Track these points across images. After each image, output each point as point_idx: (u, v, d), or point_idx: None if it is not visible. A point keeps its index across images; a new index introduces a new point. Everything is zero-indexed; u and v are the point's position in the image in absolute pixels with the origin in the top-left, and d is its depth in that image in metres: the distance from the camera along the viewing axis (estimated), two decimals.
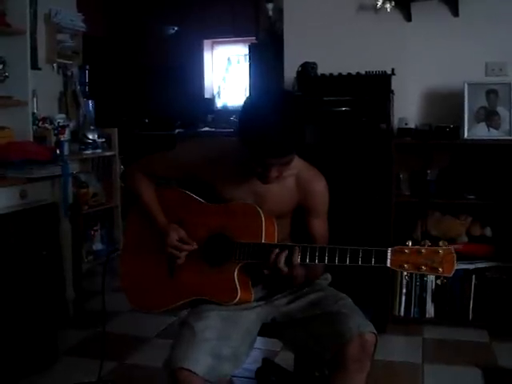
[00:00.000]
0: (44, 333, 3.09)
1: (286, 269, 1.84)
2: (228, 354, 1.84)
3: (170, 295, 2.03)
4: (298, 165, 1.98)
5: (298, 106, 1.85)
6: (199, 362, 1.75)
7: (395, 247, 1.74)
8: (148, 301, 2.11)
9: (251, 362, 2.71)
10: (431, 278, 3.52)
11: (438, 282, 1.74)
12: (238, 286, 1.92)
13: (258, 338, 2.05)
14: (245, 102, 1.86)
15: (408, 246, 1.73)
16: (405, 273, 1.78)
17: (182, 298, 2.01)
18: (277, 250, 1.84)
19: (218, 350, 1.81)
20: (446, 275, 1.72)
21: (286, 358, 2.62)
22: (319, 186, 2.04)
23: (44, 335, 3.08)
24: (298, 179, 2.01)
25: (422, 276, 3.53)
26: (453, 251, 1.71)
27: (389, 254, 1.73)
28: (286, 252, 1.84)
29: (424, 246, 1.73)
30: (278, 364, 2.87)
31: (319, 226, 2.05)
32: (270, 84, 4.59)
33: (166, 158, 2.12)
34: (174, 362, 1.75)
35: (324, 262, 1.82)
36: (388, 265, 1.73)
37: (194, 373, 1.72)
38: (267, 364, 2.88)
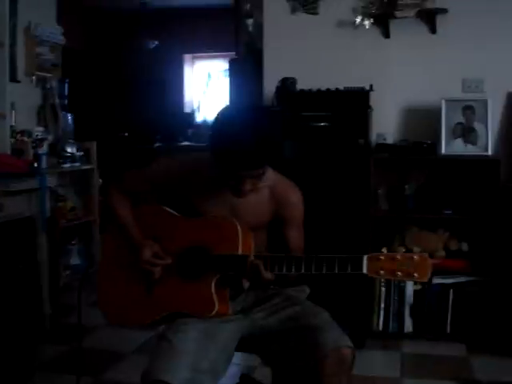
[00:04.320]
0: (20, 347, 3.05)
1: (268, 276, 1.84)
2: (206, 367, 1.82)
3: (148, 310, 2.02)
4: (272, 177, 1.99)
5: (270, 119, 1.86)
6: (177, 374, 1.73)
7: (371, 254, 1.76)
8: (126, 317, 2.09)
9: (229, 377, 2.66)
10: (409, 292, 3.55)
11: (415, 287, 1.76)
12: (215, 298, 1.91)
13: (236, 353, 2.04)
14: (217, 116, 1.87)
15: (383, 252, 1.75)
16: (382, 280, 1.80)
17: (160, 312, 1.99)
18: (252, 259, 1.85)
19: (196, 362, 1.80)
20: (421, 280, 1.73)
21: (264, 374, 2.60)
22: (294, 197, 2.05)
23: (20, 350, 3.04)
24: (272, 191, 2.02)
25: (401, 290, 3.55)
26: (427, 257, 1.72)
27: (365, 261, 1.75)
28: (262, 261, 1.84)
29: (399, 253, 1.76)
30: (256, 379, 2.85)
31: (295, 236, 2.07)
32: (250, 99, 4.60)
33: (142, 174, 2.12)
34: (152, 374, 1.74)
35: (301, 271, 1.82)
36: (364, 271, 1.75)
37: None
38: (245, 379, 2.85)
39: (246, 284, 1.90)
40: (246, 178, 1.82)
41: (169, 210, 2.08)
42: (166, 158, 2.18)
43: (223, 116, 1.86)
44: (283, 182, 2.06)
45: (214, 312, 1.92)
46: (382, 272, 1.74)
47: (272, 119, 1.87)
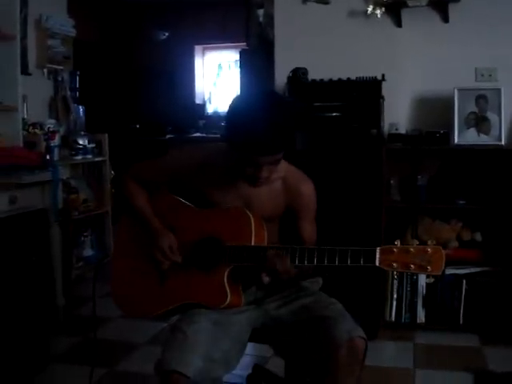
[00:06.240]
0: (34, 339, 3.07)
1: (283, 269, 1.82)
2: (219, 357, 1.83)
3: (161, 301, 2.02)
4: (284, 168, 1.99)
5: (286, 104, 1.86)
6: (190, 364, 1.74)
7: (384, 246, 1.75)
8: (139, 307, 2.10)
9: (242, 368, 2.68)
10: (422, 283, 3.54)
11: (427, 280, 1.75)
12: (227, 289, 1.91)
13: (249, 344, 2.05)
14: (231, 102, 1.86)
15: (396, 245, 1.74)
16: (395, 272, 1.78)
17: (173, 303, 2.00)
18: (273, 252, 1.83)
19: (209, 353, 1.80)
20: (434, 273, 1.72)
21: (276, 365, 2.61)
22: (306, 188, 2.05)
23: (34, 341, 3.06)
24: (285, 182, 2.02)
25: (413, 281, 3.54)
26: (441, 249, 1.71)
27: (377, 254, 1.74)
28: (281, 253, 1.83)
29: (412, 245, 1.74)
30: (268, 370, 2.86)
31: (308, 229, 2.06)
32: (258, 89, 4.60)
33: (156, 165, 2.12)
34: (166, 364, 1.75)
35: (313, 262, 1.82)
36: (377, 264, 1.74)
37: (186, 375, 1.72)
38: (258, 370, 2.86)
39: (266, 279, 1.87)
40: (264, 164, 1.81)
41: (182, 200, 2.08)
42: (180, 148, 2.18)
43: (239, 102, 1.86)
44: (296, 172, 2.05)
45: (226, 303, 1.92)
46: (394, 265, 1.73)
47: (286, 104, 1.86)
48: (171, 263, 2.00)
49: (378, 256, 1.74)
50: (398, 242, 1.75)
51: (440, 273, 1.72)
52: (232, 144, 1.83)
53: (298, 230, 2.06)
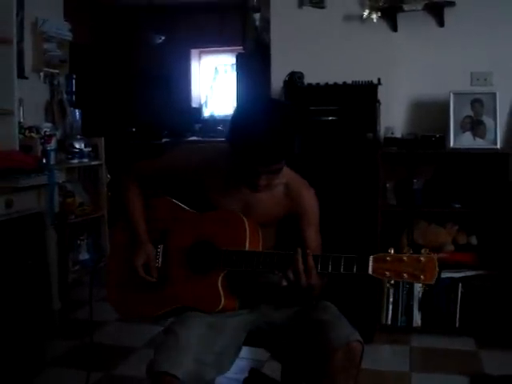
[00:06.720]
0: (30, 343, 3.06)
1: (304, 275, 1.80)
2: (211, 360, 1.84)
3: (156, 304, 2.02)
4: (286, 174, 1.99)
5: (289, 114, 1.85)
6: (182, 366, 1.74)
7: (377, 255, 1.74)
8: (134, 310, 2.10)
9: (238, 371, 2.69)
10: (418, 286, 3.54)
11: (420, 289, 1.74)
12: (221, 293, 1.91)
13: (245, 347, 2.05)
14: (235, 109, 1.87)
15: (390, 253, 1.74)
16: (388, 280, 1.77)
17: (167, 306, 2.00)
18: (299, 257, 1.81)
19: (201, 356, 1.81)
20: (427, 283, 1.71)
21: (273, 368, 2.62)
22: (308, 193, 2.04)
23: (30, 345, 3.06)
24: (286, 187, 2.02)
25: (409, 284, 3.55)
26: (434, 259, 1.70)
27: (370, 262, 1.73)
28: (308, 253, 1.80)
29: (406, 253, 1.74)
30: (265, 374, 2.86)
31: (312, 237, 2.03)
32: (258, 94, 4.60)
33: (156, 163, 2.12)
34: (157, 366, 1.75)
35: None
36: (370, 272, 1.73)
37: (177, 377, 1.72)
38: (254, 374, 2.86)
39: (284, 282, 1.86)
40: (263, 173, 1.82)
41: (179, 203, 2.08)
42: (181, 148, 2.18)
43: (242, 111, 1.87)
44: (297, 179, 2.05)
45: (220, 307, 1.92)
46: (387, 273, 1.72)
47: (288, 114, 1.85)
48: (172, 262, 2.01)
49: (371, 264, 1.73)
50: (391, 250, 1.74)
51: (433, 282, 1.70)
52: (233, 150, 1.84)
53: (304, 237, 2.02)
